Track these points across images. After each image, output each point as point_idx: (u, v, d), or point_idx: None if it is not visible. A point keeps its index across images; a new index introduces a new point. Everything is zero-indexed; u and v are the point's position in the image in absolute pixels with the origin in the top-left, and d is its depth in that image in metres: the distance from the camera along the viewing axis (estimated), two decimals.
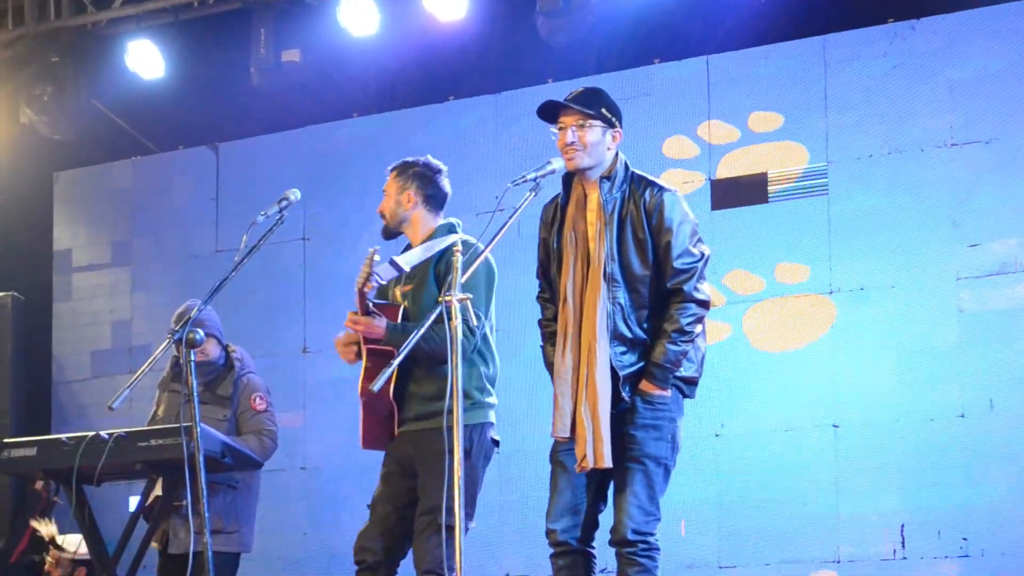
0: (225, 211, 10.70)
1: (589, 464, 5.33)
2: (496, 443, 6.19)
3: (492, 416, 6.15)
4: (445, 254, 6.07)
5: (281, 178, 9.97)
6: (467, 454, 5.92)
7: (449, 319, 5.17)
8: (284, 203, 6.19)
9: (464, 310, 5.20)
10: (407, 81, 10.42)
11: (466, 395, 5.84)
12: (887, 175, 8.78)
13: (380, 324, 6.01)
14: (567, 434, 5.42)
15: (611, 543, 5.40)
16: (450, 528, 5.44)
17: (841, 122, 8.92)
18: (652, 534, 5.38)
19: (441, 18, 9.65)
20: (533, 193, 5.47)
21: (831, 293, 8.83)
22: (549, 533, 5.48)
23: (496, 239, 5.40)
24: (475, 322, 5.72)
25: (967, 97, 8.66)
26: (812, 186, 8.95)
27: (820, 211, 8.90)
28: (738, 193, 9.14)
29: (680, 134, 9.28)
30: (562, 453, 5.51)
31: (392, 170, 6.37)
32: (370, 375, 6.03)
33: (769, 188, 9.07)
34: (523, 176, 5.46)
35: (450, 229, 6.28)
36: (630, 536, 5.34)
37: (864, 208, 8.80)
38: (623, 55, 9.60)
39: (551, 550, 5.51)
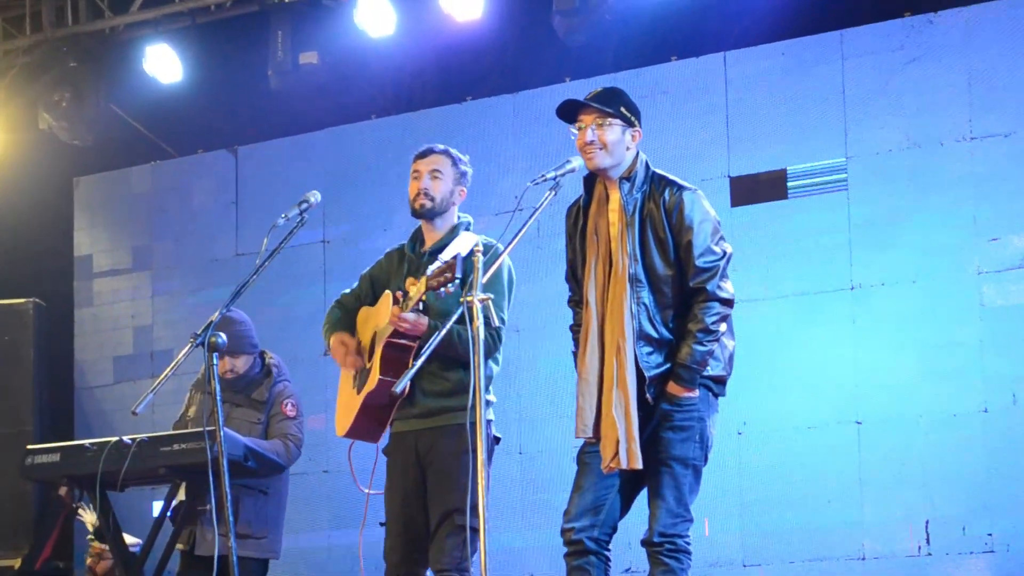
0: (245, 214, 10.72)
1: (622, 463, 5.31)
2: (497, 440, 6.13)
3: (492, 413, 6.09)
4: (469, 255, 6.05)
5: (300, 181, 9.97)
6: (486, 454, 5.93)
7: (471, 319, 5.15)
8: (304, 205, 6.17)
9: (486, 310, 5.18)
10: (425, 82, 10.44)
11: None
12: (906, 169, 8.75)
13: (423, 322, 5.93)
14: (589, 434, 5.42)
15: (641, 543, 5.42)
16: (473, 530, 5.45)
17: (859, 117, 8.90)
18: (681, 536, 5.37)
19: (458, 18, 9.65)
20: (553, 192, 5.46)
21: (852, 289, 8.80)
22: (565, 531, 5.47)
23: (516, 239, 5.38)
24: (496, 323, 5.56)
25: (986, 90, 8.62)
26: (831, 181, 8.93)
27: (840, 206, 8.87)
28: (757, 190, 9.12)
29: (698, 131, 9.26)
30: (589, 454, 5.50)
31: (445, 154, 6.17)
32: (388, 365, 5.95)
33: (788, 184, 9.05)
34: (542, 175, 5.45)
35: (467, 227, 6.25)
36: (656, 538, 5.36)
37: (884, 203, 8.77)
38: (641, 53, 9.59)
39: (565, 549, 5.50)
